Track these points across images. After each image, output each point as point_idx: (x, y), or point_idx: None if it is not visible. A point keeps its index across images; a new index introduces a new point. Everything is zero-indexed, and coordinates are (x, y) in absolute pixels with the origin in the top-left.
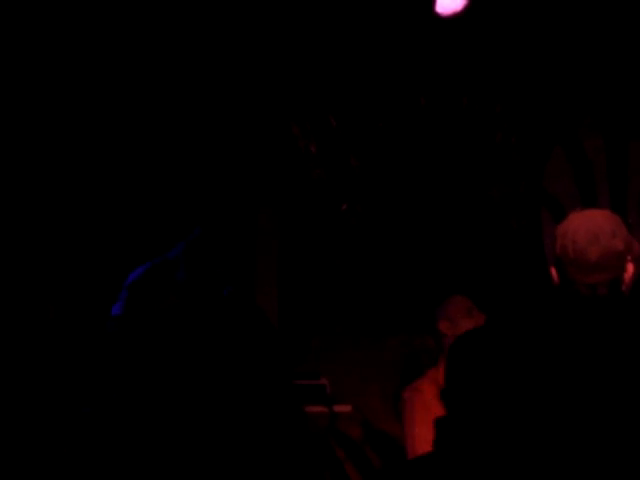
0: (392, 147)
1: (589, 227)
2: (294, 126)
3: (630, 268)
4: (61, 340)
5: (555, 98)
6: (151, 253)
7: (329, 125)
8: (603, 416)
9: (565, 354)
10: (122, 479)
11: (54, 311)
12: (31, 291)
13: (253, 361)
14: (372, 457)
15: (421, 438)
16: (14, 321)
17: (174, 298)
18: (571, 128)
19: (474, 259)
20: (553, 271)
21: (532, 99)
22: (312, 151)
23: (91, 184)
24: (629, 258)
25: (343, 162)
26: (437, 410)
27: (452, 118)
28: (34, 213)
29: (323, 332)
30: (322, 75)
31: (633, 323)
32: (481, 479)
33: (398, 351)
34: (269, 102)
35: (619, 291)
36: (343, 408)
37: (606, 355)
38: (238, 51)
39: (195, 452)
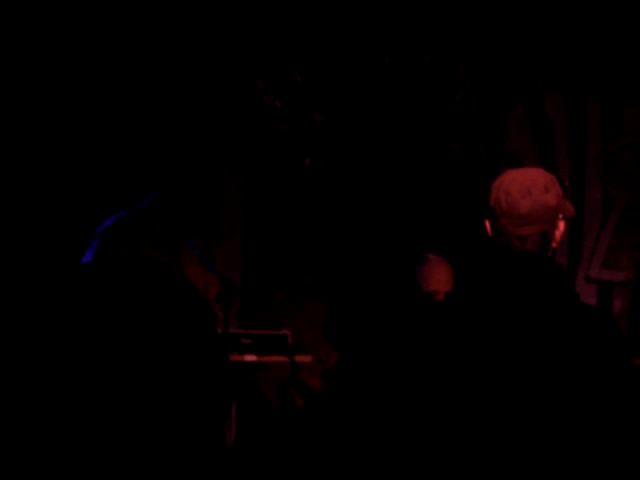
0: (355, 103)
1: (523, 181)
2: (259, 81)
3: (561, 225)
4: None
5: (516, 57)
6: (124, 202)
7: (294, 80)
8: (519, 370)
9: (489, 306)
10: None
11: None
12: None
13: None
14: None
15: None
16: None
17: (147, 248)
18: (531, 87)
19: (435, 213)
20: (487, 223)
21: (493, 58)
22: (277, 106)
23: (65, 137)
24: (561, 216)
25: (307, 117)
26: None
27: (414, 75)
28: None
29: (286, 285)
30: (287, 30)
31: (555, 279)
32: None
33: None
34: (234, 56)
35: (548, 246)
36: (304, 358)
37: (526, 309)
38: (204, 6)
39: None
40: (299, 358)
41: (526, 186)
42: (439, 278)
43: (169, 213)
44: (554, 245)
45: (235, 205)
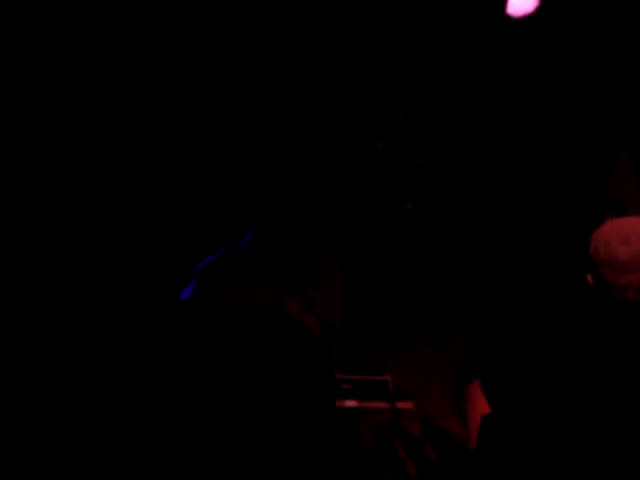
0: (460, 147)
1: (621, 229)
2: (363, 122)
3: None
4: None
5: (623, 103)
6: (223, 241)
7: (398, 123)
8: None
9: (589, 354)
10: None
11: None
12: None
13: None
14: (432, 455)
15: None
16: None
17: (246, 288)
18: (638, 132)
19: (538, 260)
20: (588, 275)
21: (599, 103)
22: (380, 148)
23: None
24: None
25: (410, 160)
26: None
27: (520, 120)
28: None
29: (387, 329)
30: (392, 72)
31: None
32: (520, 473)
33: (461, 350)
34: (340, 96)
35: None
36: (405, 405)
37: (627, 359)
38: (310, 45)
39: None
40: (400, 404)
41: (624, 234)
42: None
43: (270, 255)
44: None
45: (335, 247)
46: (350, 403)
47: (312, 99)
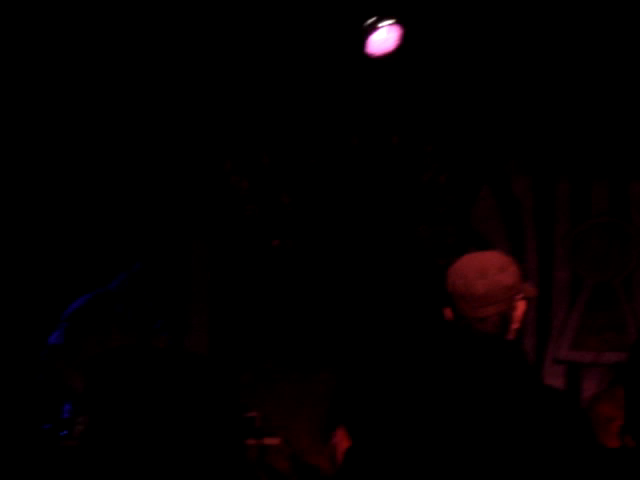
0: (323, 184)
1: (477, 263)
2: (227, 162)
3: (521, 305)
4: None
5: (484, 138)
6: (91, 284)
7: (261, 162)
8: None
9: (446, 390)
10: None
11: None
12: None
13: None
14: None
15: None
16: None
17: (115, 330)
18: (499, 168)
19: (402, 295)
20: (447, 309)
21: (462, 139)
22: (244, 187)
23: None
24: (520, 296)
25: (275, 198)
26: None
27: (382, 157)
28: None
29: (253, 366)
30: (255, 112)
31: (513, 361)
32: None
33: (327, 385)
34: (202, 138)
35: (508, 327)
36: (272, 441)
37: (484, 392)
38: (173, 86)
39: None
40: (267, 440)
41: (481, 267)
42: None
43: (137, 296)
44: (515, 326)
45: (202, 288)
46: None
47: (175, 141)
